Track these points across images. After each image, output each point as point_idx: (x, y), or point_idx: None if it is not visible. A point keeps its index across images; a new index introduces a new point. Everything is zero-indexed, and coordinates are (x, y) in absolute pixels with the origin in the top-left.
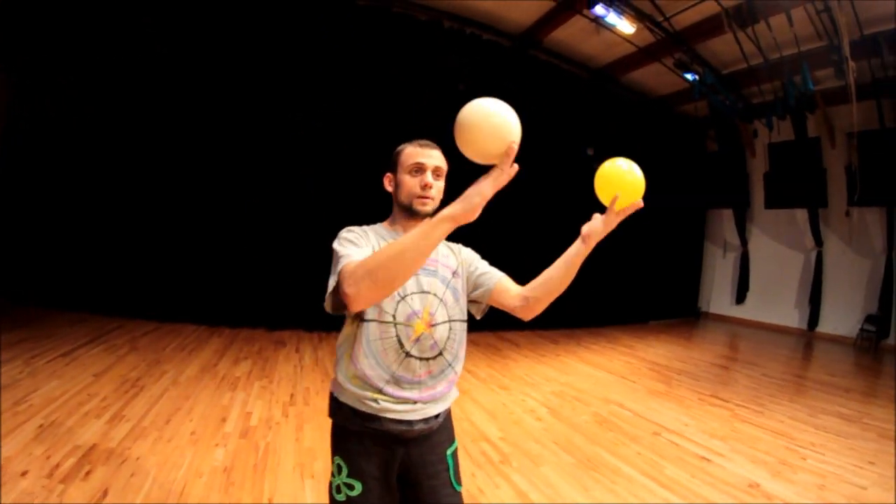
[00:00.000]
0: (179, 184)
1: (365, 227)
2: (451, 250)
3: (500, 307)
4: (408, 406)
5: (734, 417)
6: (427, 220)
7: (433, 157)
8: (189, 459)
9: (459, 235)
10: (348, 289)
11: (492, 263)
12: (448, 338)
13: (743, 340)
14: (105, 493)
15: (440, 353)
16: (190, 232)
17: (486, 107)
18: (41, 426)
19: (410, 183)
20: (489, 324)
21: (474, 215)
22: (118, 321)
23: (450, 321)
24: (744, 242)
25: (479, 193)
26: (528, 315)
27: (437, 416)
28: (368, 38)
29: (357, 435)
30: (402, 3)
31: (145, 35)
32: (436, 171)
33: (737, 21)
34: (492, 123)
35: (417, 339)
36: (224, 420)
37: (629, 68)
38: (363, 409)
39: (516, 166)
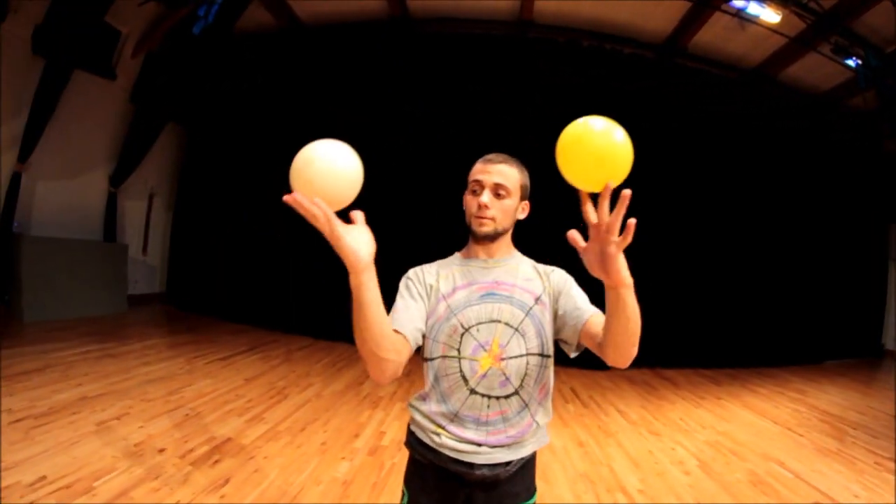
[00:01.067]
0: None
1: (435, 264)
2: (539, 273)
3: (592, 349)
4: (470, 447)
5: None
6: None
7: (493, 174)
8: (313, 467)
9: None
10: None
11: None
12: (526, 374)
13: None
14: (226, 482)
15: (515, 393)
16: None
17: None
18: (187, 415)
19: (470, 203)
20: (647, 360)
21: (347, 263)
22: (276, 335)
23: (527, 355)
24: None
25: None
26: (613, 363)
27: (506, 465)
28: (510, 67)
29: (423, 467)
30: (538, 27)
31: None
32: (497, 189)
33: None
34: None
35: (484, 375)
36: (357, 436)
37: (784, 63)
38: (426, 440)
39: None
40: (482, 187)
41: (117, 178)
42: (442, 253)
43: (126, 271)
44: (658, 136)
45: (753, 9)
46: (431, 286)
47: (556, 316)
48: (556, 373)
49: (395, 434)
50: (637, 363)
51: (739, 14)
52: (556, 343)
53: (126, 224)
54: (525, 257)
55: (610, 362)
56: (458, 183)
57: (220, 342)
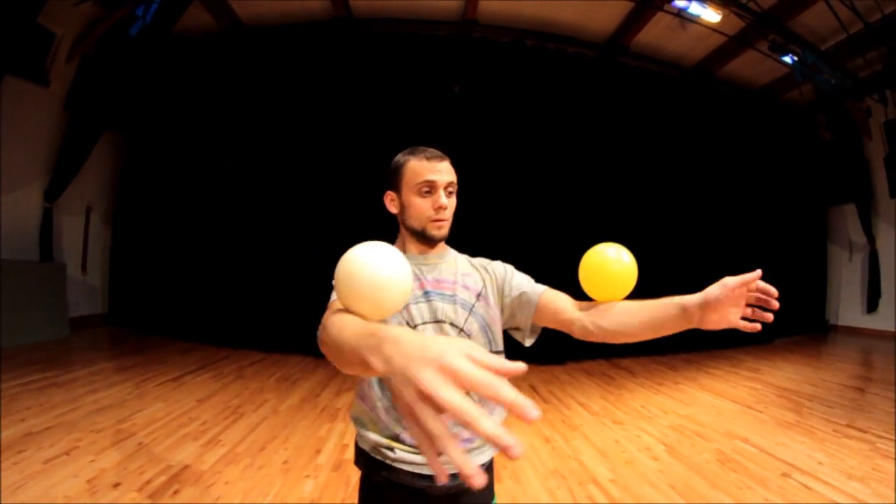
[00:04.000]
0: (283, 224)
1: None
2: (475, 267)
3: (552, 326)
4: None
5: (875, 452)
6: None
7: (444, 172)
8: (277, 488)
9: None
10: (321, 344)
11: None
12: None
13: (878, 356)
14: None
15: (466, 394)
16: (296, 266)
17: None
18: (140, 444)
19: (421, 205)
20: (602, 351)
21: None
22: (227, 351)
23: None
24: (871, 241)
25: None
26: (584, 339)
27: None
28: (452, 66)
29: (378, 489)
30: (482, 27)
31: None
32: (448, 188)
33: None
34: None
35: None
36: (318, 451)
37: (724, 61)
38: (379, 457)
39: None
40: (435, 188)
41: (52, 193)
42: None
43: (65, 292)
44: (603, 133)
45: (695, 9)
46: None
47: (503, 306)
48: None
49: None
50: (592, 354)
51: (681, 14)
52: (508, 335)
53: (63, 241)
54: (459, 254)
55: (585, 339)
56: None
57: (170, 362)
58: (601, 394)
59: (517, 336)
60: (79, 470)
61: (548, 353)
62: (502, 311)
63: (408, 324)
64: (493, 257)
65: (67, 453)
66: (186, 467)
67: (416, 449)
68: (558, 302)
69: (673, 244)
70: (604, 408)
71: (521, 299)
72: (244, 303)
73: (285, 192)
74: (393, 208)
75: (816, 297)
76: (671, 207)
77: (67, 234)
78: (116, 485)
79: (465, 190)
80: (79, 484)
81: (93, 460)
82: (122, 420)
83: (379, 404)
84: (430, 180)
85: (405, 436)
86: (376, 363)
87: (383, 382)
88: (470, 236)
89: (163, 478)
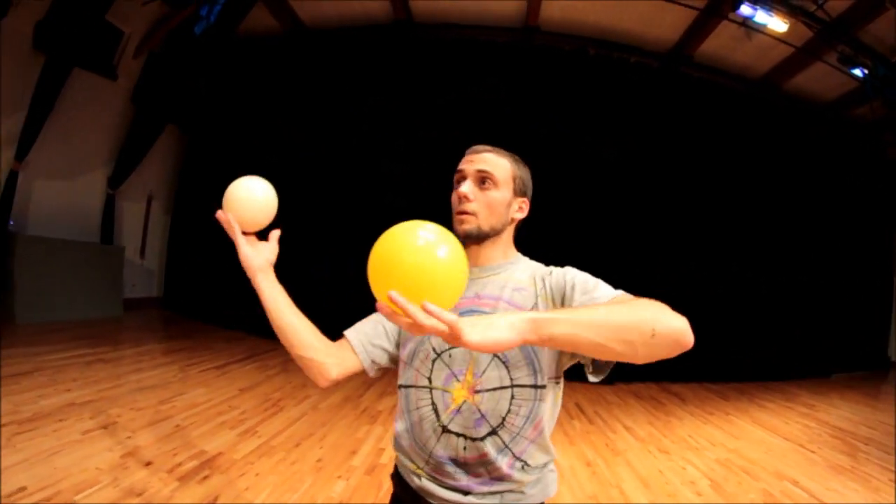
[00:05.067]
0: (333, 221)
1: None
2: (534, 279)
3: None
4: (455, 495)
5: None
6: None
7: (476, 161)
8: (307, 486)
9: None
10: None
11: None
12: (509, 411)
13: None
14: (214, 500)
15: (492, 433)
16: (342, 263)
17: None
18: (177, 426)
19: (452, 198)
20: (652, 373)
21: (255, 281)
22: (274, 343)
23: (512, 386)
24: None
25: None
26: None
27: None
28: (515, 74)
29: None
30: (544, 34)
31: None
32: (480, 177)
33: None
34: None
35: (458, 410)
36: (354, 452)
37: (790, 73)
38: (407, 480)
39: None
40: (464, 177)
41: (116, 180)
42: None
43: (122, 274)
44: (664, 145)
45: (761, 17)
46: None
47: None
48: None
49: (395, 452)
50: (642, 377)
51: (746, 23)
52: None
53: (124, 227)
54: (530, 262)
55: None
56: None
57: (217, 349)
58: (649, 419)
59: (585, 368)
60: (114, 445)
61: None
62: None
63: (434, 349)
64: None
65: (105, 427)
66: (219, 454)
67: (441, 483)
68: None
69: (731, 268)
70: (650, 434)
71: None
72: (293, 296)
73: (337, 190)
74: None
75: (879, 332)
76: (731, 228)
77: (128, 221)
78: (148, 463)
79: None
80: (112, 458)
81: (129, 437)
82: (163, 401)
83: (405, 434)
84: (460, 169)
85: (429, 469)
86: None
87: (409, 414)
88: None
89: (194, 462)
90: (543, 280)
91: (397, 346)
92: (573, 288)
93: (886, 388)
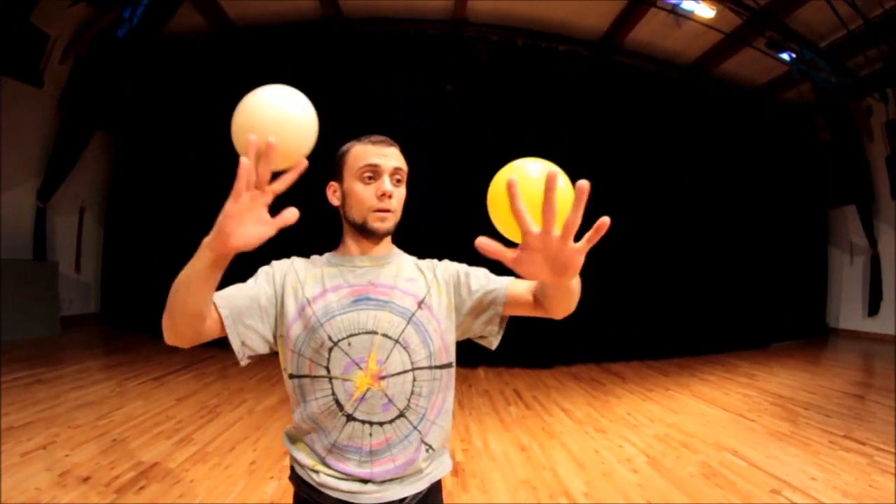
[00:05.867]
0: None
1: (300, 260)
2: (422, 270)
3: (516, 314)
4: (355, 485)
5: (872, 467)
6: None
7: (390, 157)
8: (240, 488)
9: None
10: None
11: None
12: (412, 392)
13: (879, 361)
14: None
15: (400, 415)
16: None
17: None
18: (114, 440)
19: (363, 193)
20: (592, 354)
21: (230, 240)
22: (213, 351)
23: (413, 369)
24: (872, 243)
25: (222, 212)
26: (536, 314)
27: (401, 502)
28: (443, 65)
29: None
30: (473, 26)
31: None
32: (395, 175)
33: None
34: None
35: (362, 398)
36: (286, 453)
37: (720, 59)
38: (305, 478)
39: (251, 170)
40: (379, 173)
41: (45, 192)
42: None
43: (58, 291)
44: (597, 133)
45: (688, 4)
46: (295, 286)
47: (463, 312)
48: (498, 373)
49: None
50: (582, 358)
51: (675, 10)
52: (460, 342)
53: (57, 241)
54: (407, 255)
55: (548, 311)
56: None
57: (155, 361)
58: (587, 400)
59: (482, 342)
60: (53, 464)
61: (535, 357)
62: (459, 317)
63: (329, 338)
64: (472, 261)
65: (44, 447)
66: (156, 464)
67: (341, 474)
68: (520, 284)
69: (669, 246)
70: (588, 415)
71: (487, 298)
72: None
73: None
74: (335, 200)
75: (816, 301)
76: (667, 209)
77: (61, 234)
78: (86, 479)
79: (453, 189)
80: (51, 477)
81: (67, 455)
82: (101, 417)
83: (304, 426)
84: (374, 164)
85: (330, 460)
86: (209, 239)
87: (307, 405)
88: (449, 238)
89: (131, 474)
90: (433, 271)
91: (274, 333)
92: (467, 274)
93: (826, 355)
